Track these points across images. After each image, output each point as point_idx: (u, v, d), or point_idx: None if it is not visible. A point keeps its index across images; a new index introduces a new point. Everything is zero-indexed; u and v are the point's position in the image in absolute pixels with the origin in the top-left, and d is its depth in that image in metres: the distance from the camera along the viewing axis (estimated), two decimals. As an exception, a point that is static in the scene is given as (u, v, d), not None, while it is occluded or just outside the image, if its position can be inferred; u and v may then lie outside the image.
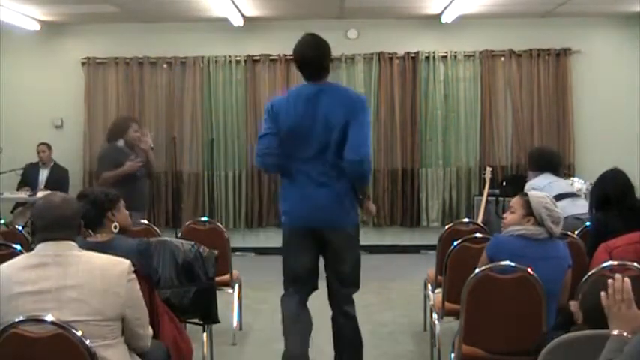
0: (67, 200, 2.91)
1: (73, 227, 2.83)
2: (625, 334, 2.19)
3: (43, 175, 8.42)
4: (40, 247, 2.78)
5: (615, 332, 2.21)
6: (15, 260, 2.87)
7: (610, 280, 2.27)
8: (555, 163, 5.63)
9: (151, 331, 2.99)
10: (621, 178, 4.34)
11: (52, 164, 8.51)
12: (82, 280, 2.70)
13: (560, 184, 5.47)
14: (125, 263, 2.82)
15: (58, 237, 2.76)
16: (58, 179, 8.34)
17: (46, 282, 2.68)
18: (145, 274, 3.13)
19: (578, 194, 5.73)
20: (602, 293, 2.28)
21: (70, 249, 2.77)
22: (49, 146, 8.51)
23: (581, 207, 5.31)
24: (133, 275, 2.84)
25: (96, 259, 2.80)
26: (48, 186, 8.13)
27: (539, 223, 3.68)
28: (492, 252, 3.70)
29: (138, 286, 2.87)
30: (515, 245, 3.65)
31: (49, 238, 2.77)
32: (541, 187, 5.13)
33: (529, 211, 3.72)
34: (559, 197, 5.15)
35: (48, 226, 2.78)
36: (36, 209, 2.89)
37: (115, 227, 3.54)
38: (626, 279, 2.26)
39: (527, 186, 5.28)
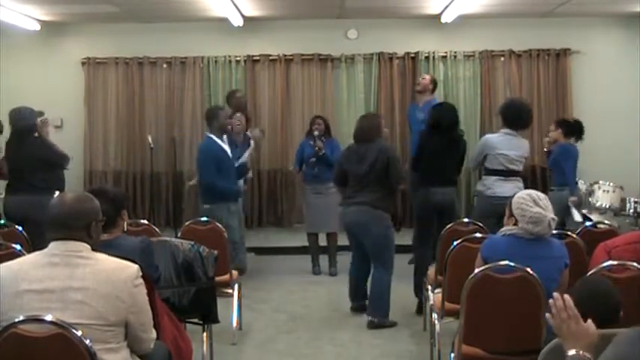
0: (71, 199, 2.83)
1: (76, 228, 2.74)
2: (581, 352, 2.14)
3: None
4: (51, 247, 2.75)
5: (572, 353, 2.16)
6: (26, 257, 2.87)
7: (551, 301, 2.22)
8: (513, 119, 5.88)
9: (154, 334, 2.95)
10: None
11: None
12: (88, 282, 2.67)
13: (510, 143, 5.80)
14: (132, 268, 2.78)
15: (65, 237, 2.73)
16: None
17: (52, 282, 2.66)
18: (147, 272, 3.11)
19: (517, 169, 5.84)
20: (547, 314, 2.24)
21: (79, 250, 2.72)
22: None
23: (509, 188, 5.37)
24: (140, 280, 2.79)
25: (104, 262, 2.74)
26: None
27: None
28: (486, 253, 3.70)
29: (144, 291, 2.83)
30: (508, 245, 3.64)
31: (57, 238, 2.74)
32: (491, 139, 5.93)
33: (512, 212, 3.73)
34: (497, 173, 5.75)
35: (50, 225, 2.76)
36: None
37: (125, 226, 3.56)
38: (566, 296, 2.22)
39: None
